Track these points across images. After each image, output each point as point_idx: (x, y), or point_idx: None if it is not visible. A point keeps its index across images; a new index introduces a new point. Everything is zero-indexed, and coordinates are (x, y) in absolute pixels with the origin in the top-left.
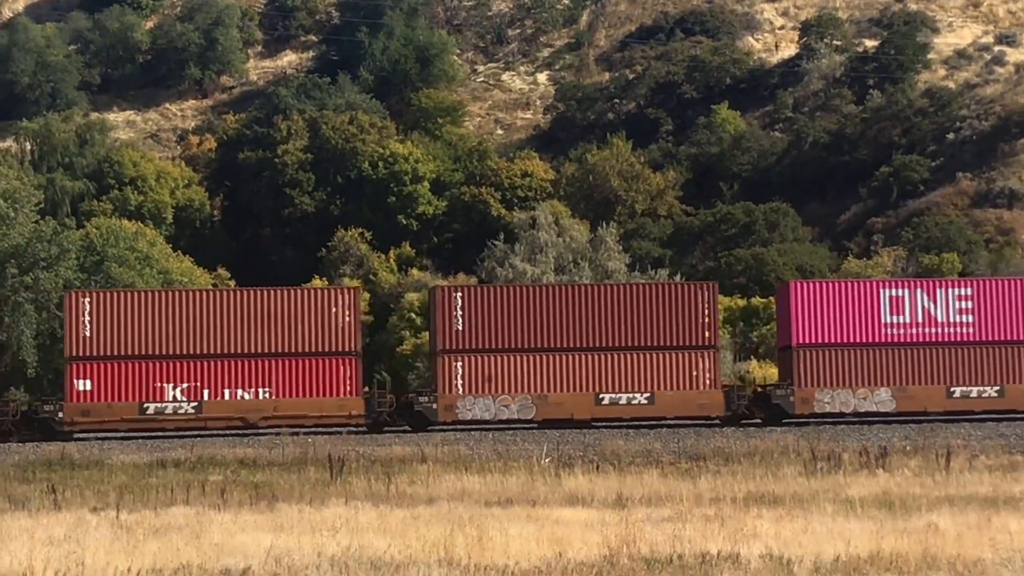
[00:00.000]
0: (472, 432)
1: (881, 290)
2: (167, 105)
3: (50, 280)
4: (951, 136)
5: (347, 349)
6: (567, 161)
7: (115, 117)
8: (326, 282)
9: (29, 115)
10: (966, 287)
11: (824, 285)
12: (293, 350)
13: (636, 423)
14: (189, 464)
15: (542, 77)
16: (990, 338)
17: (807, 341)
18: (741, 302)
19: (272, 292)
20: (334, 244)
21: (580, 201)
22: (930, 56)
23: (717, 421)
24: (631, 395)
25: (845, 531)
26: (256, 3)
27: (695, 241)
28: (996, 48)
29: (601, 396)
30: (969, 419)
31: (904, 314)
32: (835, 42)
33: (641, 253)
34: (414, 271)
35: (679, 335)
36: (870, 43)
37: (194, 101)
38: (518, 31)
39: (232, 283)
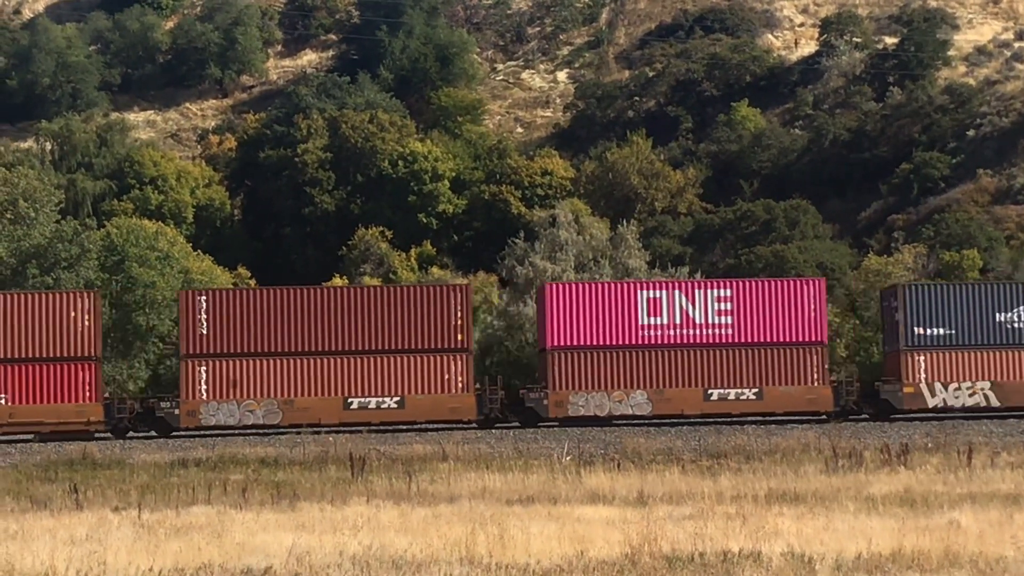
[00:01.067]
0: (493, 431)
1: (639, 291)
2: (187, 105)
3: (71, 280)
4: (971, 133)
5: (85, 354)
6: (587, 159)
7: (135, 117)
8: (347, 281)
9: (50, 115)
10: (725, 288)
11: (580, 287)
12: (29, 355)
13: (385, 428)
14: (210, 463)
15: (562, 75)
16: (749, 340)
17: (561, 343)
18: None
19: (8, 297)
20: (354, 243)
21: (600, 199)
22: (950, 53)
23: (474, 425)
24: (380, 399)
25: (867, 529)
26: (276, 2)
27: (715, 239)
28: (1016, 45)
29: (350, 400)
30: (729, 421)
31: (662, 315)
32: (855, 39)
33: (661, 251)
34: (435, 269)
35: (430, 338)
36: (890, 40)
37: (214, 101)
38: (538, 29)
39: (252, 282)
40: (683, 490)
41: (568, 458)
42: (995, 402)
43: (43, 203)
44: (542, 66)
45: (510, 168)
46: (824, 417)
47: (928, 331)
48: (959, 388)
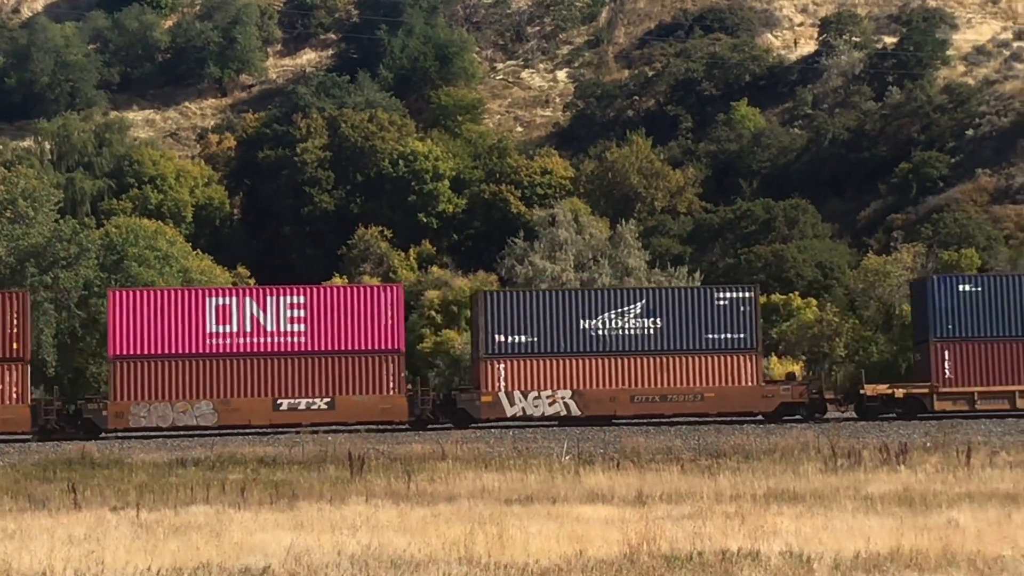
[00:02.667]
0: (492, 430)
1: (207, 298)
2: (186, 104)
3: (70, 279)
4: (970, 132)
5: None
6: (587, 158)
7: (134, 116)
8: (347, 280)
9: (49, 114)
10: (298, 295)
11: (145, 294)
12: None
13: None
14: (209, 463)
15: (561, 74)
16: (322, 348)
17: (124, 352)
18: (761, 299)
19: None
20: (354, 242)
21: (600, 198)
22: (949, 52)
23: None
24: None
25: (865, 528)
26: (275, 1)
27: (715, 238)
28: (1015, 44)
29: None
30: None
31: (231, 323)
32: (854, 39)
33: (661, 250)
34: (434, 269)
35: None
36: (889, 40)
37: (213, 100)
38: (537, 28)
39: (252, 282)
40: (682, 489)
41: (567, 457)
42: (576, 411)
43: (42, 202)
44: (542, 65)
45: (510, 167)
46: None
47: (509, 338)
48: (539, 397)
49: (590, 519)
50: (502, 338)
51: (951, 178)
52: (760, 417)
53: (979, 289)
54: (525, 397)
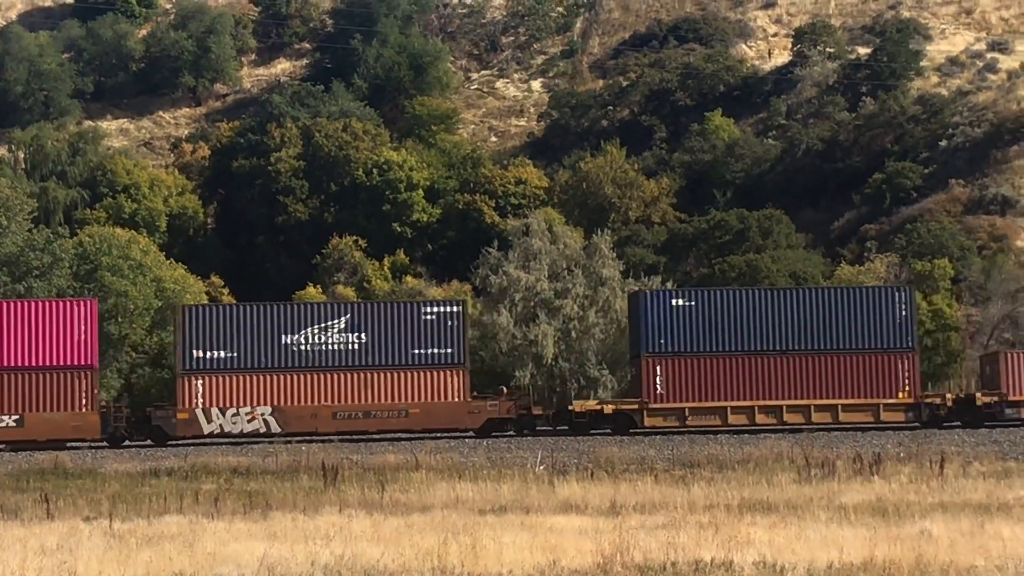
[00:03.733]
0: (466, 440)
1: None
2: (160, 113)
3: (43, 289)
4: (944, 143)
5: None
6: (561, 168)
7: (108, 125)
8: (321, 290)
9: (22, 123)
10: None
11: None
12: None
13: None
14: (182, 473)
15: (536, 84)
16: (9, 364)
17: None
18: None
19: None
20: (328, 252)
21: (574, 208)
22: (923, 63)
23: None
24: None
25: (838, 538)
26: (250, 11)
27: (689, 248)
28: (989, 55)
29: None
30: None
31: None
32: (828, 49)
33: (635, 260)
34: (408, 279)
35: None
36: (863, 50)
37: (187, 109)
38: (512, 38)
39: (226, 291)
40: (656, 499)
41: (541, 468)
42: (276, 427)
43: (15, 211)
44: (516, 75)
45: (484, 177)
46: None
47: (208, 354)
48: (238, 414)
49: (564, 529)
50: (200, 353)
51: (925, 188)
52: (471, 433)
53: (692, 304)
54: (223, 414)
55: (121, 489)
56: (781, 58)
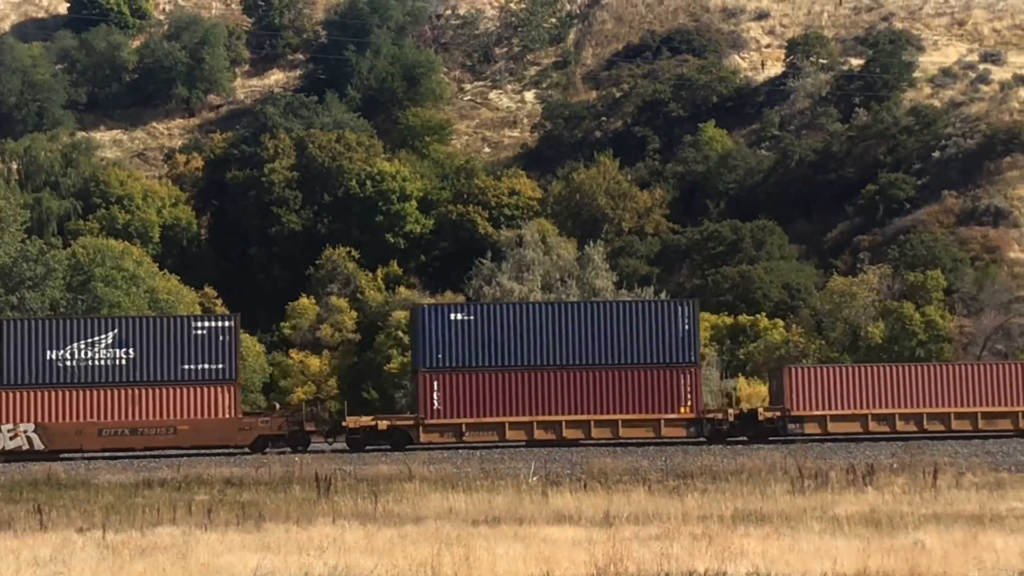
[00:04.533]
0: (459, 450)
1: None
2: (154, 124)
3: (36, 299)
4: (936, 154)
5: None
6: (554, 179)
7: (102, 136)
8: (314, 301)
9: (16, 134)
10: None
11: None
12: None
13: None
14: (175, 484)
15: (529, 95)
16: None
17: None
18: (728, 320)
19: None
20: (322, 262)
21: (567, 219)
22: (915, 74)
23: None
24: None
25: (832, 549)
26: (243, 22)
27: (682, 259)
28: (981, 66)
29: None
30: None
31: None
32: (821, 60)
33: (628, 271)
34: (402, 289)
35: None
36: (856, 61)
37: (181, 120)
38: (505, 50)
39: (219, 302)
40: (649, 510)
41: (534, 478)
42: (39, 445)
43: (8, 222)
44: (509, 86)
45: (477, 188)
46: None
47: None
48: (0, 431)
49: (557, 540)
50: None
51: (917, 200)
52: (247, 449)
53: (471, 318)
54: None
55: (114, 500)
56: (774, 69)
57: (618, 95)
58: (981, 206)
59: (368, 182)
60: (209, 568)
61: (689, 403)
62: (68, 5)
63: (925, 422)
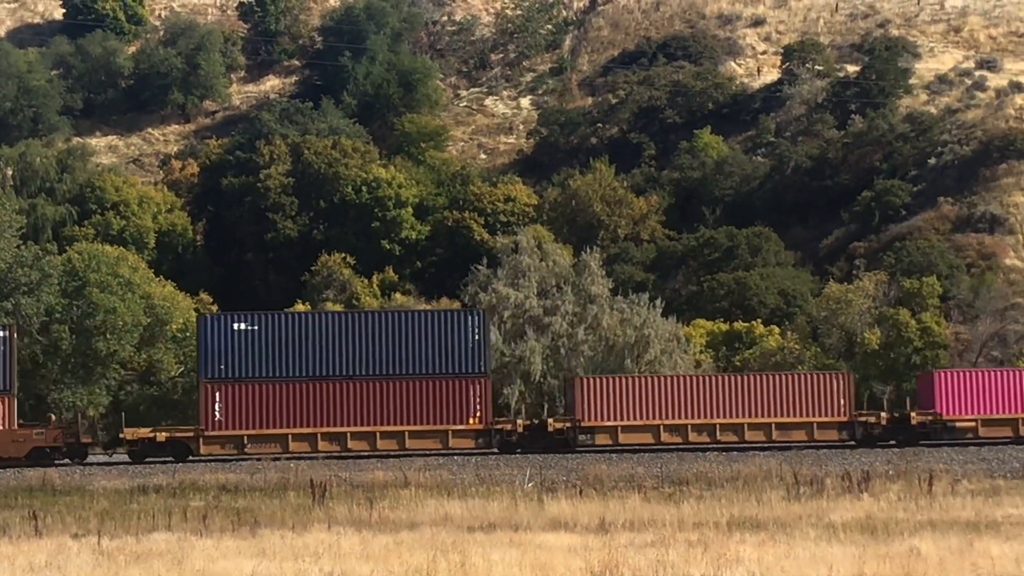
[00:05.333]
0: (455, 457)
1: None
2: (149, 130)
3: (31, 306)
4: (933, 161)
5: None
6: (550, 186)
7: (97, 142)
8: (310, 307)
9: (11, 140)
10: None
11: None
12: None
13: None
14: (171, 490)
15: (525, 102)
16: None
17: None
18: (723, 326)
19: None
20: (317, 269)
21: (563, 226)
22: (911, 81)
23: None
24: None
25: (828, 556)
26: (239, 28)
27: (678, 265)
28: (977, 73)
29: None
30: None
31: None
32: (817, 67)
33: (624, 277)
34: (397, 296)
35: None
36: (852, 68)
37: (177, 126)
38: (501, 56)
39: (215, 308)
40: (645, 517)
41: (530, 485)
42: None
43: (3, 228)
44: (505, 92)
45: (473, 194)
46: None
47: None
48: None
49: (553, 547)
50: None
51: (913, 206)
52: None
53: (255, 328)
54: None
55: (109, 506)
56: (770, 76)
57: (614, 101)
58: (977, 213)
59: (364, 188)
60: (204, 574)
61: (479, 414)
62: (64, 11)
63: (718, 433)
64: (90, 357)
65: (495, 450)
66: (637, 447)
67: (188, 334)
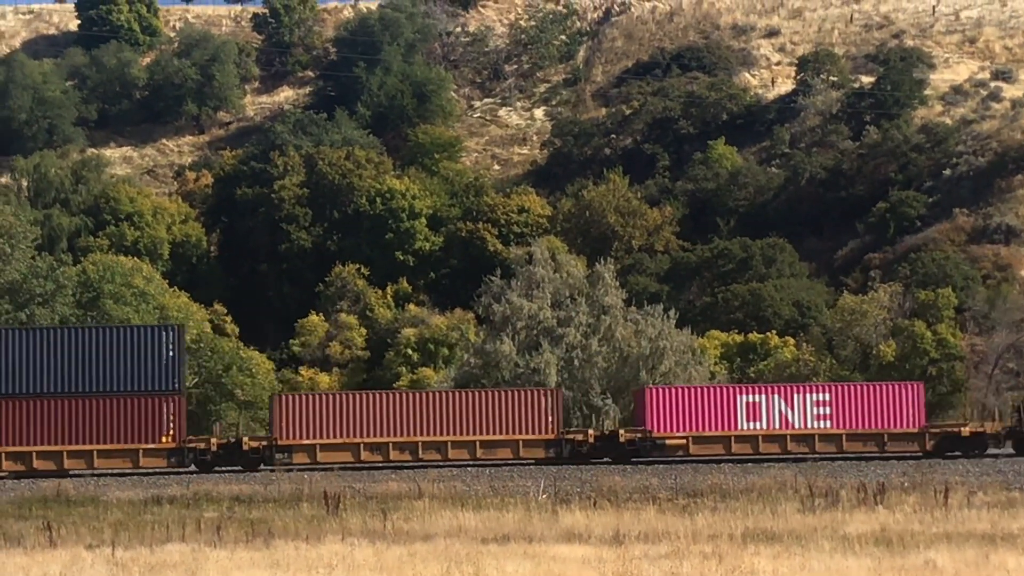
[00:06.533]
0: (468, 468)
1: None
2: (164, 141)
3: (46, 316)
4: (948, 172)
5: None
6: (564, 196)
7: (112, 153)
8: (323, 318)
9: (26, 151)
10: None
11: None
12: None
13: None
14: (185, 501)
15: (539, 113)
16: None
17: None
18: (738, 338)
19: None
20: (331, 279)
21: (577, 236)
22: (926, 92)
23: None
24: None
25: (843, 569)
26: (253, 39)
27: (692, 277)
28: (992, 84)
29: None
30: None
31: None
32: (831, 78)
33: (638, 289)
34: (411, 307)
35: None
36: (866, 79)
37: (191, 137)
38: (515, 67)
39: (229, 319)
40: (659, 529)
41: (544, 496)
42: None
43: (19, 239)
44: (519, 103)
45: (487, 205)
46: None
47: None
48: None
49: (567, 558)
50: None
51: (928, 217)
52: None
53: None
54: None
55: (123, 517)
56: (784, 87)
57: (628, 112)
58: (992, 224)
59: (378, 199)
60: None
61: (172, 432)
62: (79, 22)
63: (420, 451)
64: None
65: (193, 470)
66: (333, 466)
67: (202, 345)
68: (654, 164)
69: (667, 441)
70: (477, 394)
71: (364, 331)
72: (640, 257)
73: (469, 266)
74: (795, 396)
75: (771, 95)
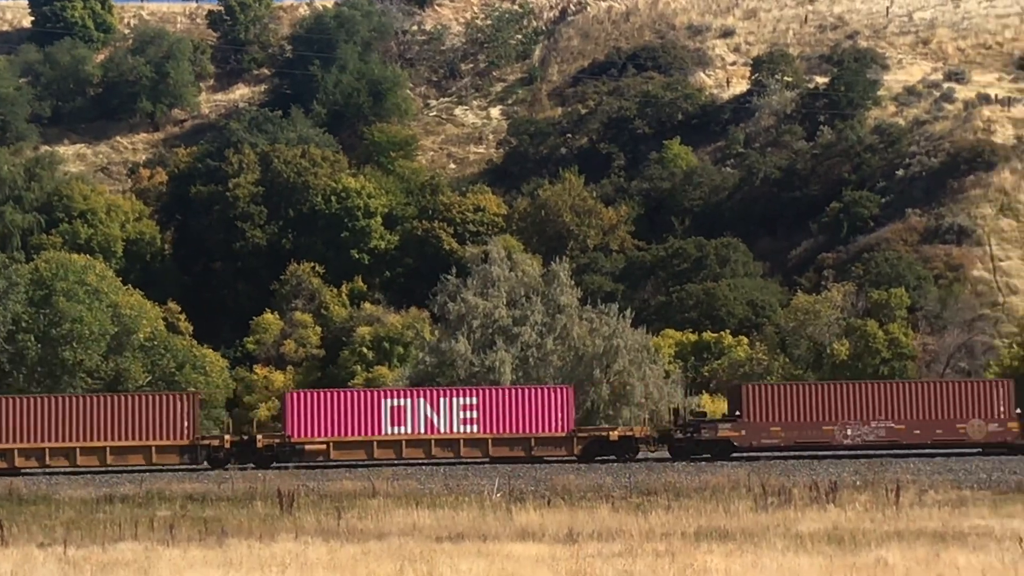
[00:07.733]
0: (423, 467)
1: None
2: (118, 138)
3: None
4: (901, 172)
5: None
6: (519, 196)
7: (65, 150)
8: (278, 317)
9: None
10: None
11: None
12: None
13: None
14: (137, 499)
15: (495, 112)
16: None
17: None
18: (692, 337)
19: None
20: (286, 278)
21: (532, 235)
22: (880, 93)
23: None
24: None
25: (795, 566)
26: (208, 36)
27: (647, 276)
28: (945, 85)
29: None
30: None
31: None
32: (786, 78)
33: (593, 288)
34: (366, 305)
35: None
36: (821, 80)
37: (145, 134)
38: (471, 66)
39: (183, 317)
40: (613, 527)
41: (498, 495)
42: None
43: None
44: (475, 102)
45: (442, 204)
46: None
47: None
48: None
49: (521, 557)
50: None
51: (881, 218)
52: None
53: None
54: None
55: (76, 515)
56: (739, 87)
57: (584, 112)
58: (945, 224)
59: (333, 198)
60: None
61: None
62: (32, 18)
63: (48, 458)
64: (56, 366)
65: None
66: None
67: (156, 343)
68: (610, 163)
69: (306, 447)
70: (108, 399)
71: (319, 329)
72: (595, 256)
73: (424, 265)
74: (441, 400)
75: (726, 95)
